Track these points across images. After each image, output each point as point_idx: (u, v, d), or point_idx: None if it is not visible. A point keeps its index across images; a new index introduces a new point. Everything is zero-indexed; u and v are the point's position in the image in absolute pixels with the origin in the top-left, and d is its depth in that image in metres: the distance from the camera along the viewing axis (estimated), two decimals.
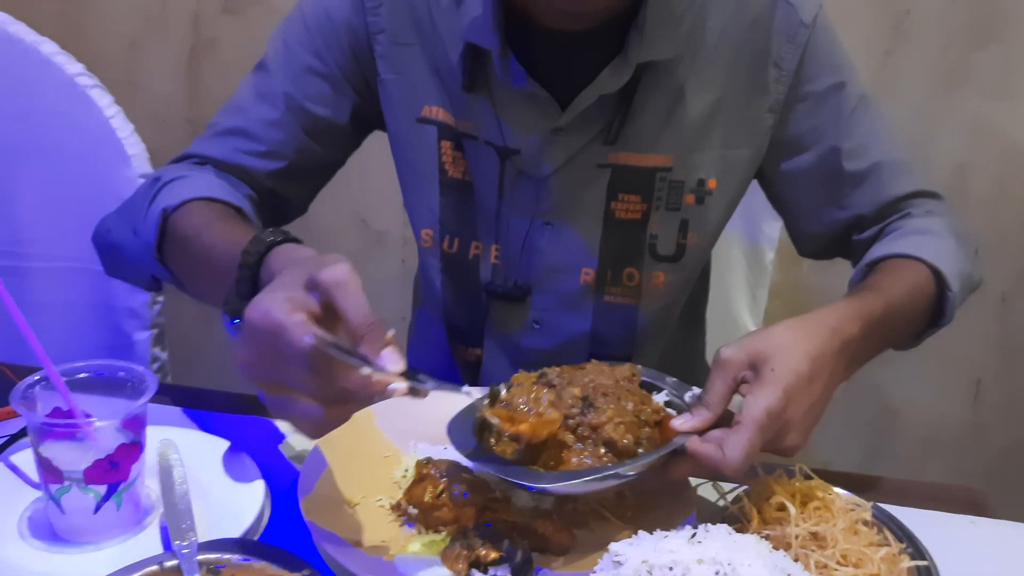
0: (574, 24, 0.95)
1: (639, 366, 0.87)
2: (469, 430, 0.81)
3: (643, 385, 0.85)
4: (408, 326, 1.31)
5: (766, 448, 0.77)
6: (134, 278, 1.04)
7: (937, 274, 0.97)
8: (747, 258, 1.51)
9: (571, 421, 0.79)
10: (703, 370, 1.23)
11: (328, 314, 0.69)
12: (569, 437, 0.78)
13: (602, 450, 0.77)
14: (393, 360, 0.67)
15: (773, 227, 1.48)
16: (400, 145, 1.07)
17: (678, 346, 1.17)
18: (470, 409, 0.82)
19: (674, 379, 0.87)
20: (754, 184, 1.10)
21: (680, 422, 0.79)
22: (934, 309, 0.99)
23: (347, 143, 1.10)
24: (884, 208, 1.06)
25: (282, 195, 1.07)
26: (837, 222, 1.08)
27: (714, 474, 0.77)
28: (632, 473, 0.76)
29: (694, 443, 0.77)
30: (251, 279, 0.79)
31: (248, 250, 0.79)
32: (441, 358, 1.17)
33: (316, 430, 0.70)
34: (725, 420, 0.78)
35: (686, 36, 0.99)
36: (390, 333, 0.68)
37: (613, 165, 1.01)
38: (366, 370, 0.66)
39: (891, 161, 1.06)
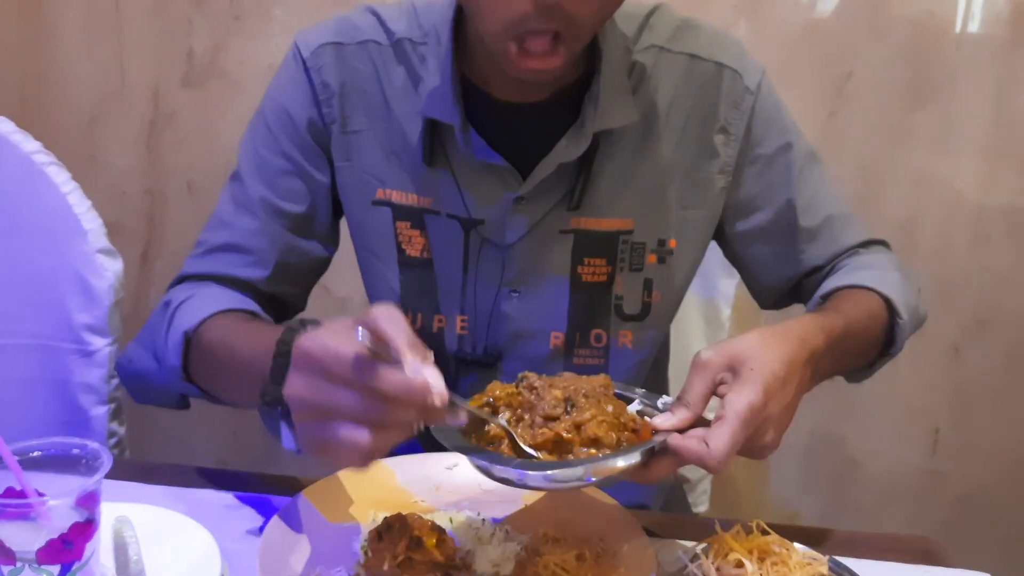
0: (528, 96, 0.98)
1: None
2: (456, 432, 0.81)
3: (615, 396, 0.86)
4: None
5: (746, 445, 0.77)
6: (163, 401, 1.03)
7: (888, 303, 1.01)
8: (704, 316, 1.53)
9: (553, 423, 0.79)
10: None
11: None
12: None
13: (593, 450, 0.78)
14: (434, 375, 0.66)
15: (728, 284, 1.51)
16: (358, 229, 1.09)
17: None
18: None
19: (643, 390, 0.88)
20: (709, 244, 1.13)
21: (661, 420, 0.79)
22: (886, 338, 1.02)
23: (332, 231, 1.12)
24: (836, 257, 1.10)
25: (281, 297, 1.09)
26: (794, 276, 1.12)
27: (699, 467, 0.77)
28: (620, 466, 0.76)
29: (677, 439, 0.77)
30: (285, 366, 0.76)
31: (283, 339, 0.78)
32: None
33: (360, 457, 0.69)
34: (701, 423, 0.79)
35: (638, 104, 1.03)
36: (430, 354, 0.67)
37: (576, 230, 1.04)
38: (410, 369, 0.64)
39: (841, 214, 1.11)
